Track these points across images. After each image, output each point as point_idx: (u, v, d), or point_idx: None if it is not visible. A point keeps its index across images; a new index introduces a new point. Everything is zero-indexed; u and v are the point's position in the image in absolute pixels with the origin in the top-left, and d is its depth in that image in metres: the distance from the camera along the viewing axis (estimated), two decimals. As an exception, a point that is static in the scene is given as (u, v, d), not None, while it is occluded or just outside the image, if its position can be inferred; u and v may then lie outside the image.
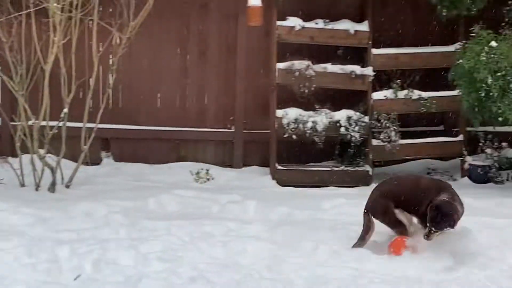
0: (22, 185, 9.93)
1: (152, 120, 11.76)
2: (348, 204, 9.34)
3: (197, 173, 11.08)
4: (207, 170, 11.17)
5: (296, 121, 11.36)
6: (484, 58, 10.43)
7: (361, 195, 10.01)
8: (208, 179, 11.07)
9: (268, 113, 11.59)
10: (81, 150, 10.02)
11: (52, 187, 9.73)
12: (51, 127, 9.72)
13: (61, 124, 9.81)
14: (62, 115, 9.72)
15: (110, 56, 10.73)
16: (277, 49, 11.49)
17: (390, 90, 11.71)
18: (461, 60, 10.74)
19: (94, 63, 10.01)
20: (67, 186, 9.91)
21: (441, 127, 12.76)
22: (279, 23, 11.50)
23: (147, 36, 11.46)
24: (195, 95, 11.89)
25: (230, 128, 11.94)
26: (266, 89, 11.66)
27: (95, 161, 11.37)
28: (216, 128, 11.93)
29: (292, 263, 7.04)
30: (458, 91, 11.14)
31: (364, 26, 11.71)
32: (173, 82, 11.82)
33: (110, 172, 11.10)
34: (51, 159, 9.88)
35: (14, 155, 10.36)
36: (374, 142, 11.64)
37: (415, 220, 7.45)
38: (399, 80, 11.82)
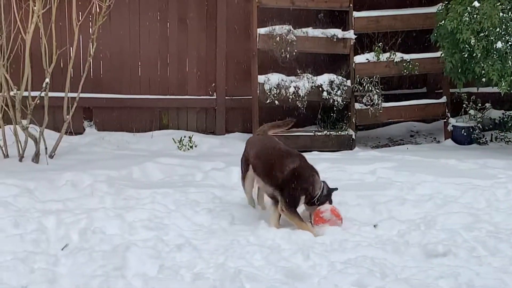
0: (6, 156, 9.83)
1: (134, 89, 11.67)
2: (332, 168, 9.34)
3: (180, 140, 11.03)
4: (190, 137, 11.12)
5: (278, 86, 11.31)
6: (467, 18, 10.41)
7: (345, 159, 10.08)
8: (191, 147, 11.03)
9: (250, 79, 11.53)
10: (64, 120, 9.93)
11: (36, 158, 9.64)
12: (34, 98, 9.61)
13: (43, 94, 9.70)
14: (44, 85, 9.60)
15: (90, 25, 10.61)
16: (257, 14, 11.40)
17: (372, 53, 11.68)
18: (443, 21, 10.71)
19: (75, 32, 9.88)
20: (51, 156, 9.82)
21: (424, 89, 12.78)
22: (259, -13, 11.42)
23: (126, 4, 11.34)
24: (176, 62, 11.80)
25: (212, 95, 11.89)
26: (248, 55, 11.59)
27: (78, 130, 11.28)
28: (198, 96, 11.87)
29: (279, 228, 7.05)
30: (441, 52, 11.13)
31: (344, -11, 11.64)
32: (153, 50, 11.71)
33: (94, 142, 11.04)
34: (34, 129, 9.79)
35: (-4, 126, 10.26)
36: (357, 106, 11.63)
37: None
38: (381, 43, 11.79)
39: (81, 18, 10.41)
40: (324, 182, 7.25)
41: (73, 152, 10.31)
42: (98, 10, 9.94)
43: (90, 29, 10.62)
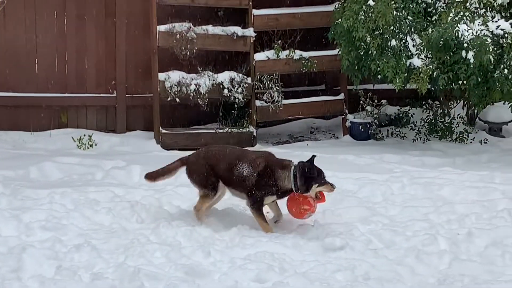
0: None
1: (31, 87, 11.42)
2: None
3: (80, 139, 10.86)
4: (90, 136, 10.96)
5: (179, 84, 11.29)
6: (362, 17, 10.64)
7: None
8: (91, 145, 10.88)
9: (150, 77, 11.46)
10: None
11: None
12: None
13: None
14: None
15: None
16: (157, 12, 11.34)
17: (272, 51, 11.80)
18: (340, 19, 10.91)
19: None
20: None
21: (323, 86, 12.97)
22: (158, -15, 11.35)
23: (22, 0, 11.09)
24: (75, 60, 11.61)
25: (112, 93, 11.75)
26: (148, 53, 11.52)
27: (-29, 130, 10.99)
28: (98, 93, 11.72)
29: (179, 226, 7.04)
30: (338, 50, 11.33)
31: (244, -13, 11.71)
32: (51, 47, 11.49)
33: (-12, 141, 10.77)
34: None
35: None
36: (258, 103, 11.72)
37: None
38: (280, 41, 11.91)
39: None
40: (299, 167, 6.94)
41: (-34, 152, 10.04)
42: (-9, 5, 9.71)
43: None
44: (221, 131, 11.53)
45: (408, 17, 10.75)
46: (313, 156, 7.01)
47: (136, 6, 11.67)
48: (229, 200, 7.65)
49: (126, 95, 11.75)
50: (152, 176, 7.50)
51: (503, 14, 10.83)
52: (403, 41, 10.67)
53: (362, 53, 10.87)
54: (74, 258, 6.25)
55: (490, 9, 10.75)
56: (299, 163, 7.00)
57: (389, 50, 10.59)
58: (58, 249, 6.38)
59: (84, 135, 10.97)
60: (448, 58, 10.46)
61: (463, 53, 10.20)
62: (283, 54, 11.80)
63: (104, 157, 10.07)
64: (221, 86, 11.46)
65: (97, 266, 6.12)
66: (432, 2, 11.00)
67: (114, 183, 8.76)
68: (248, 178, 7.01)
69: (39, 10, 11.36)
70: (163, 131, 11.38)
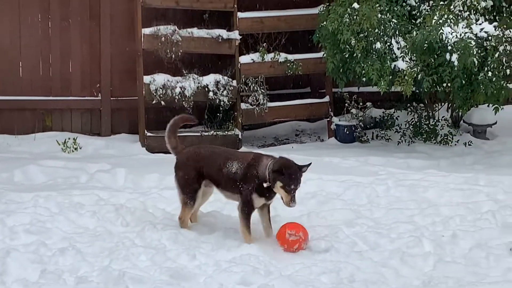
0: None
1: (15, 90, 11.37)
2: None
3: (64, 142, 10.82)
4: (75, 139, 10.93)
5: (164, 87, 11.26)
6: (347, 19, 10.67)
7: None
8: (75, 149, 10.84)
9: (135, 79, 11.44)
10: None
11: None
12: None
13: None
14: None
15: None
16: (142, 14, 11.32)
17: (257, 54, 11.80)
18: (325, 22, 10.93)
19: None
20: None
21: (308, 89, 12.99)
22: (143, -13, 11.33)
23: (6, 2, 11.07)
24: (59, 63, 11.57)
25: (97, 96, 11.71)
26: (133, 55, 11.49)
27: (-45, 133, 10.93)
28: (82, 96, 11.68)
29: (164, 229, 7.03)
30: (323, 53, 11.36)
31: (229, -10, 11.71)
32: (36, 50, 11.44)
33: (-28, 145, 10.72)
34: None
35: None
36: (243, 106, 11.72)
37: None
38: (265, 43, 11.92)
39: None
40: (278, 160, 6.80)
41: None
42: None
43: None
44: (206, 134, 11.52)
45: (393, 20, 10.79)
46: (309, 164, 6.84)
47: (120, 8, 11.65)
48: (215, 203, 7.65)
49: (111, 98, 11.72)
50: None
51: (486, 17, 10.89)
52: (388, 43, 10.71)
53: (347, 55, 10.90)
54: (58, 261, 6.23)
55: (474, 12, 10.81)
56: (280, 157, 6.89)
57: (374, 52, 10.63)
58: (43, 253, 6.36)
59: (69, 138, 10.94)
60: (433, 60, 10.50)
61: (447, 56, 10.25)
62: (268, 57, 11.80)
63: (89, 160, 10.04)
64: (206, 89, 11.45)
65: (82, 269, 6.11)
66: (416, 5, 11.06)
67: (99, 186, 8.74)
68: (237, 173, 6.90)
69: (23, 12, 11.32)
70: (148, 134, 11.36)
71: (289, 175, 6.65)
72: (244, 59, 11.75)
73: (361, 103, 12.10)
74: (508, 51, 10.46)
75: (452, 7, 10.72)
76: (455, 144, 11.49)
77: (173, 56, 11.34)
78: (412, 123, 11.88)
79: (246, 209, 6.86)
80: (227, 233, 7.01)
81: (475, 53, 10.17)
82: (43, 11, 11.43)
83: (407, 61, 10.61)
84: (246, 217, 6.86)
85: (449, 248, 6.80)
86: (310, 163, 6.84)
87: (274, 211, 7.69)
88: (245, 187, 6.84)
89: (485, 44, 10.54)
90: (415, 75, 10.46)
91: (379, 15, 10.61)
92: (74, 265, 6.18)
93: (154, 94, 11.21)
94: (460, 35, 10.28)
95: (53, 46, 11.50)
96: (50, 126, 11.59)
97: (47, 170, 9.31)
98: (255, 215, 6.97)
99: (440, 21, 10.35)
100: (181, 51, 11.38)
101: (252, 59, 11.77)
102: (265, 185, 6.73)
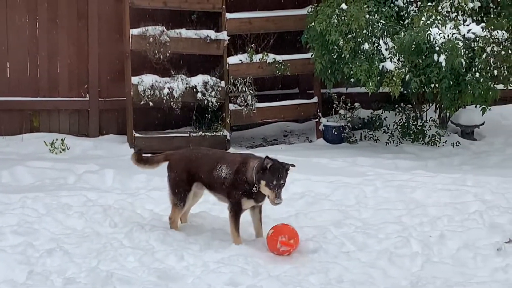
0: None
1: (3, 90, 11.32)
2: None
3: (52, 143, 10.79)
4: (62, 140, 10.89)
5: (152, 87, 11.25)
6: (335, 20, 10.68)
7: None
8: (63, 149, 10.81)
9: (123, 80, 11.41)
10: None
11: None
12: None
13: None
14: None
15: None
16: (130, 15, 11.30)
17: (245, 54, 11.79)
18: (313, 23, 10.94)
19: None
20: None
21: (296, 90, 13.00)
22: (131, -12, 11.31)
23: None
24: (47, 63, 11.53)
25: (84, 97, 11.68)
26: (121, 56, 11.47)
27: None
28: (70, 97, 11.63)
29: (152, 230, 7.03)
30: (311, 53, 11.36)
31: (217, -10, 11.70)
32: (23, 50, 11.40)
33: (-42, 146, 10.67)
34: None
35: None
36: (231, 106, 11.71)
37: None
38: (254, 44, 11.92)
39: None
40: (263, 159, 6.74)
41: None
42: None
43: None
44: (194, 134, 11.50)
45: (381, 21, 10.82)
46: (292, 165, 6.81)
47: (108, 9, 11.62)
48: (203, 204, 7.65)
49: (99, 99, 11.69)
50: (139, 159, 7.41)
51: (474, 18, 10.92)
52: (376, 44, 10.73)
53: (335, 56, 10.91)
54: (46, 262, 6.22)
55: (462, 13, 10.85)
56: (266, 157, 6.81)
57: (362, 53, 10.64)
58: (30, 254, 6.35)
59: (57, 139, 10.90)
60: (420, 61, 10.53)
61: (435, 57, 10.28)
62: (257, 57, 11.80)
63: (77, 161, 10.01)
64: (194, 89, 11.44)
65: (70, 270, 6.11)
66: (404, 6, 11.09)
67: (87, 187, 8.72)
68: (226, 177, 6.91)
69: (10, 13, 11.28)
70: (137, 135, 11.34)
71: (271, 172, 6.65)
72: (233, 60, 11.75)
73: (349, 104, 12.11)
74: (495, 52, 10.50)
75: (439, 8, 10.76)
76: (443, 145, 11.53)
77: (161, 56, 11.32)
78: (400, 124, 11.91)
79: (236, 211, 6.88)
80: (215, 234, 7.01)
81: (462, 54, 10.21)
82: (30, 11, 11.39)
83: (395, 62, 10.64)
84: (235, 219, 6.88)
85: (437, 249, 6.82)
86: (294, 165, 6.83)
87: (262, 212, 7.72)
88: (234, 190, 6.86)
89: (472, 45, 10.57)
90: (403, 75, 10.48)
91: (367, 16, 10.63)
92: (61, 266, 6.17)
93: (142, 94, 11.19)
94: (448, 36, 10.32)
95: (40, 47, 11.46)
96: (38, 127, 11.55)
97: (35, 171, 9.28)
98: (246, 216, 6.98)
99: (428, 22, 10.38)
100: (169, 51, 11.36)
101: (241, 60, 11.77)
102: (254, 190, 6.75)
